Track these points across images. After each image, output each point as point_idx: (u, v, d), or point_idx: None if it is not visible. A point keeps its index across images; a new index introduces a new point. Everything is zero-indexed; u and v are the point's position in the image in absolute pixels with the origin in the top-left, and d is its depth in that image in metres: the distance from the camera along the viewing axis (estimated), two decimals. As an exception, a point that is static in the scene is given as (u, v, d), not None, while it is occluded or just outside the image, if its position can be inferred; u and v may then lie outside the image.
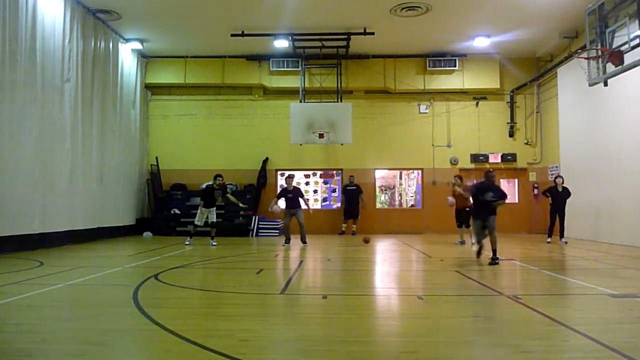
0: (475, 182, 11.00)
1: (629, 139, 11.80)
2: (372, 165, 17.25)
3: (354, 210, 16.31)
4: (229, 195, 12.82)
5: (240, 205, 13.03)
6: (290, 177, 12.28)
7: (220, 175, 12.69)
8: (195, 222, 12.48)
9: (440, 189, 16.88)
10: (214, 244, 12.21)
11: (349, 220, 16.40)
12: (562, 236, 12.66)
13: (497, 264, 8.13)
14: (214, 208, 12.57)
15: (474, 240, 9.44)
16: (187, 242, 12.28)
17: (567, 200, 12.52)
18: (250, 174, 16.94)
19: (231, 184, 16.73)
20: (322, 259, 9.64)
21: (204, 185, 13.29)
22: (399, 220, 16.98)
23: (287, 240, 12.10)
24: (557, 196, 12.51)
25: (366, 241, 12.16)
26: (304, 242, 11.85)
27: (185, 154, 16.99)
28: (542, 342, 3.73)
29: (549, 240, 12.76)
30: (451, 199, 11.85)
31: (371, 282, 7.22)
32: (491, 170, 8.90)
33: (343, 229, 16.41)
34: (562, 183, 12.66)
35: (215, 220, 12.57)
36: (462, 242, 12.07)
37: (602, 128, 13.03)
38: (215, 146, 17.07)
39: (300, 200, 11.97)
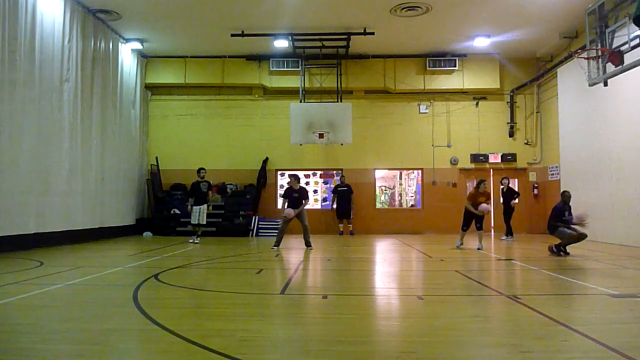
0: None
1: (628, 139, 11.80)
2: (372, 165, 17.25)
3: (346, 210, 16.26)
4: (210, 193, 13.02)
5: (208, 203, 13.00)
6: (296, 176, 11.69)
7: (202, 169, 12.93)
8: (191, 222, 12.80)
9: (440, 189, 16.91)
10: (190, 241, 12.55)
11: (344, 220, 16.41)
12: (509, 233, 13.73)
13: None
14: (204, 206, 12.67)
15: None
16: (190, 241, 12.57)
17: (515, 200, 14.02)
18: (250, 174, 16.95)
19: (231, 184, 16.75)
20: (322, 259, 9.64)
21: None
22: (399, 220, 16.98)
23: (278, 244, 11.19)
24: (503, 197, 13.88)
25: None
26: (308, 245, 11.11)
27: (185, 154, 16.99)
28: (542, 342, 3.72)
29: (503, 237, 13.75)
30: (485, 206, 10.84)
31: (371, 282, 7.22)
32: (566, 191, 10.20)
33: (341, 229, 16.41)
34: (508, 184, 14.07)
35: (203, 222, 12.71)
36: (461, 244, 11.30)
37: (602, 128, 13.03)
38: (215, 146, 17.07)
39: (304, 201, 11.27)
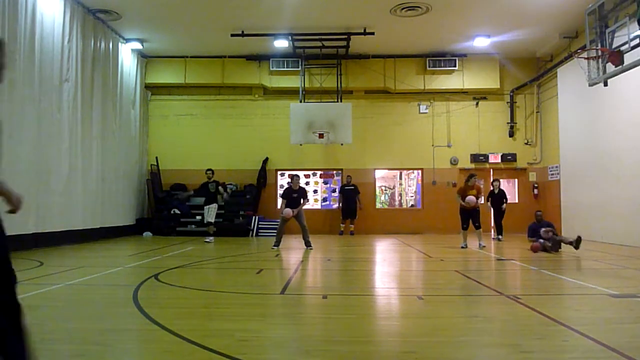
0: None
1: (628, 139, 11.80)
2: (372, 165, 17.25)
3: (352, 210, 16.28)
4: (220, 188, 13.44)
5: (220, 195, 13.46)
6: (297, 176, 11.74)
7: (209, 169, 13.37)
8: (205, 221, 13.39)
9: (440, 189, 16.90)
10: (207, 240, 12.94)
11: (347, 220, 16.41)
12: (499, 233, 13.69)
13: None
14: (211, 206, 13.09)
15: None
16: (207, 240, 13.00)
17: (505, 202, 13.81)
18: (250, 174, 16.94)
19: (231, 184, 16.75)
20: (322, 259, 9.64)
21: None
22: (399, 220, 16.97)
23: (277, 243, 11.27)
24: (494, 198, 13.71)
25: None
26: (308, 245, 11.09)
27: (185, 154, 16.99)
28: (542, 342, 3.72)
29: (499, 237, 13.63)
30: (471, 198, 10.92)
31: (371, 282, 7.22)
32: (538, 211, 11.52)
33: (342, 229, 16.41)
34: (499, 186, 13.95)
35: (210, 220, 13.12)
36: (465, 246, 11.20)
37: (602, 128, 13.03)
38: (215, 146, 17.06)
39: (302, 201, 11.35)
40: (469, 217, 11.21)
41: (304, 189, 11.88)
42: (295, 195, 11.28)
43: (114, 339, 3.84)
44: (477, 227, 11.17)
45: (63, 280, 6.53)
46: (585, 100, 13.67)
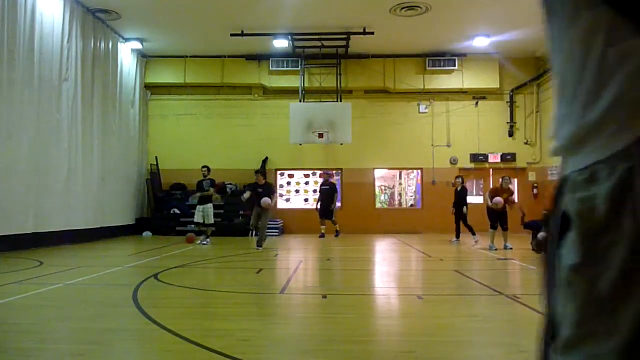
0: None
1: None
2: (372, 165, 17.24)
3: (326, 210, 15.16)
4: (212, 190, 12.66)
5: (213, 202, 12.79)
6: (259, 171, 11.50)
7: (204, 167, 12.67)
8: (194, 220, 12.62)
9: (440, 189, 16.89)
10: (203, 243, 12.20)
11: (325, 220, 15.21)
12: (457, 236, 12.82)
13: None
14: (208, 205, 12.34)
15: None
16: (198, 242, 12.35)
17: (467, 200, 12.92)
18: (250, 174, 16.79)
19: (231, 184, 16.75)
20: (322, 259, 9.64)
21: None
22: (399, 220, 16.97)
23: (260, 244, 11.02)
24: (456, 196, 12.78)
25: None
26: (259, 245, 10.83)
27: (185, 154, 16.97)
28: (542, 342, 3.72)
29: (454, 240, 12.83)
30: (499, 199, 10.82)
31: (371, 282, 7.22)
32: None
33: (322, 230, 15.25)
34: (462, 183, 12.92)
35: (209, 222, 12.36)
36: (506, 248, 11.02)
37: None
38: (215, 146, 17.06)
39: (272, 197, 11.02)
40: (498, 218, 11.12)
41: (270, 185, 11.44)
42: (260, 190, 10.99)
43: (114, 339, 3.84)
44: (505, 229, 11.10)
45: (63, 280, 6.53)
46: (585, 100, 13.65)
